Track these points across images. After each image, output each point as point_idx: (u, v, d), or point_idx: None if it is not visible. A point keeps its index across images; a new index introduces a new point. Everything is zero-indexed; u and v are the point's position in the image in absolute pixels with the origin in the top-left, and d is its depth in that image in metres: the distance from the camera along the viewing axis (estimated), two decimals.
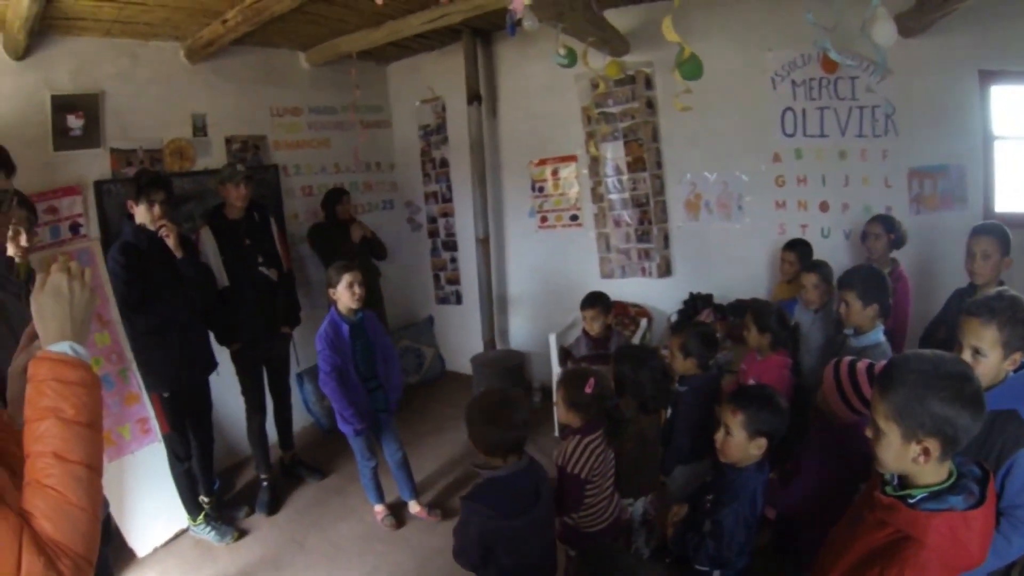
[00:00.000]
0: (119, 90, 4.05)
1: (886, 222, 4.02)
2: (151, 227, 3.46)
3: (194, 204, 4.40)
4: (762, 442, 2.32)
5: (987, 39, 4.14)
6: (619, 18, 4.78)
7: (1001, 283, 2.87)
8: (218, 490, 4.15)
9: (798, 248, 4.31)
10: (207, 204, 4.29)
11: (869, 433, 1.60)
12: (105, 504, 2.18)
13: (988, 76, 4.27)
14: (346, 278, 3.55)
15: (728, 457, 2.38)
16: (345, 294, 3.57)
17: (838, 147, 4.72)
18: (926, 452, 1.46)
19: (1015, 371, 1.98)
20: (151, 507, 3.73)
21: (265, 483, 4.23)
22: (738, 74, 4.78)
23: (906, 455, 1.49)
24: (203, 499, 3.92)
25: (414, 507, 4.06)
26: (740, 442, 2.32)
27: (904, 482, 1.57)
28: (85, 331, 1.28)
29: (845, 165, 4.73)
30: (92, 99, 3.89)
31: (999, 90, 4.31)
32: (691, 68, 3.44)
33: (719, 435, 2.39)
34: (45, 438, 1.13)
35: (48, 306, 1.25)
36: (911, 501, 1.50)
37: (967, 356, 2.00)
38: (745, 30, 4.74)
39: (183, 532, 3.90)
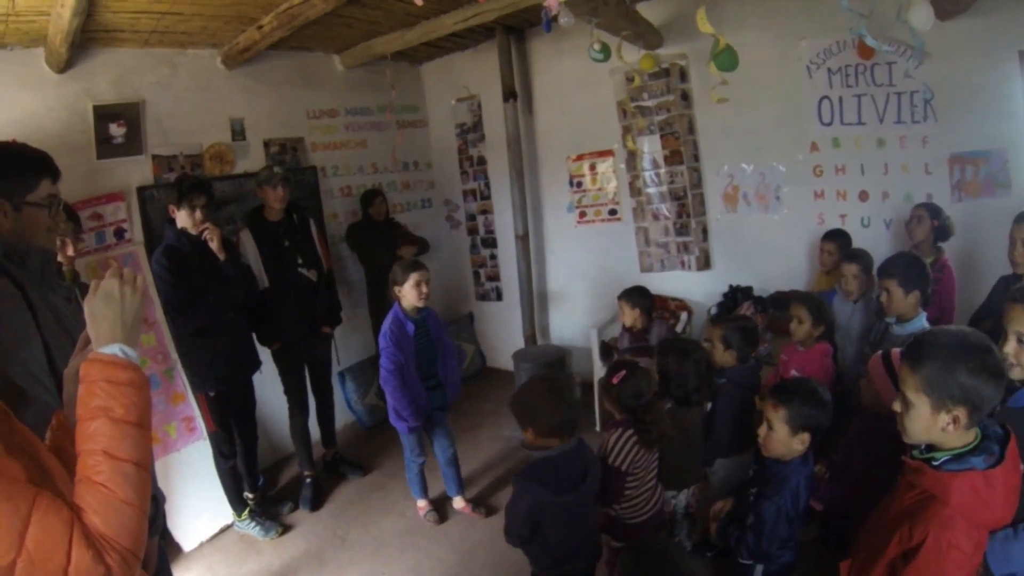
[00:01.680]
0: (159, 98, 4.16)
1: (932, 208, 3.96)
2: (193, 231, 3.54)
3: (234, 207, 4.49)
4: (805, 437, 2.31)
5: None
6: (652, 11, 4.77)
7: None
8: (262, 487, 4.23)
9: (837, 238, 4.27)
10: (247, 207, 4.37)
11: (897, 407, 1.67)
12: (162, 498, 2.25)
13: None
14: (414, 276, 3.55)
15: (771, 452, 2.37)
16: (412, 292, 3.56)
17: (876, 135, 4.62)
18: (955, 420, 1.55)
19: None
20: (197, 503, 3.83)
21: (308, 479, 4.31)
22: (773, 64, 4.72)
23: (935, 424, 1.58)
24: (247, 495, 4.02)
25: (458, 503, 4.09)
26: (783, 437, 2.31)
27: (931, 446, 1.65)
28: (136, 334, 1.32)
29: (884, 153, 4.64)
30: (133, 108, 4.01)
31: None
32: (727, 60, 3.43)
33: (761, 430, 2.38)
34: (96, 436, 1.17)
35: (100, 310, 1.30)
36: (935, 464, 1.60)
37: (1012, 343, 1.95)
38: (778, 19, 4.68)
39: (228, 527, 4.00)
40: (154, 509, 1.72)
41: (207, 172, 4.38)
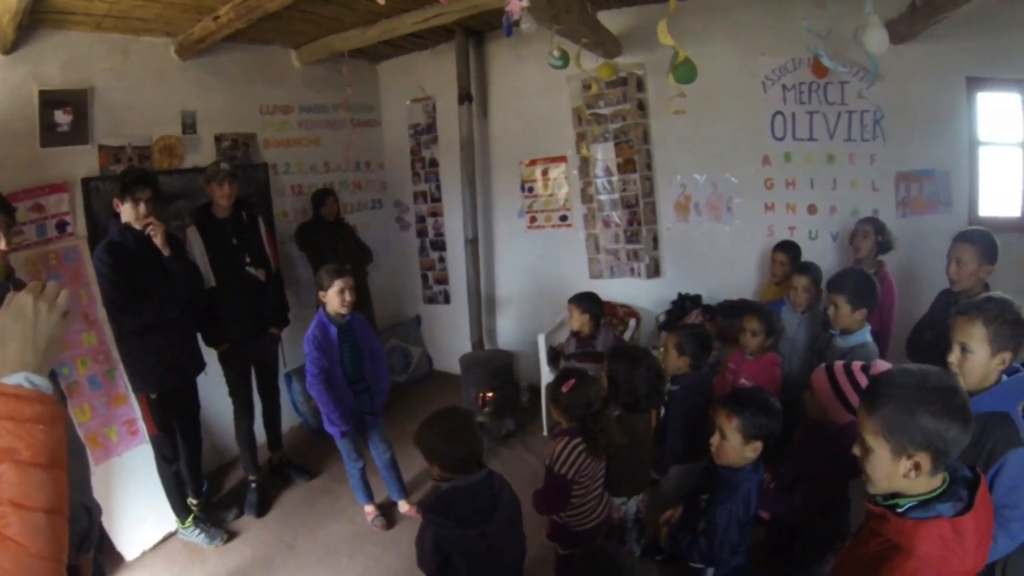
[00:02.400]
0: (109, 86, 3.98)
1: (876, 224, 4.08)
2: (137, 226, 3.41)
3: (183, 202, 4.33)
4: (758, 445, 2.35)
5: (975, 46, 4.22)
6: (612, 20, 4.81)
7: (986, 287, 2.91)
8: (207, 492, 4.10)
9: (789, 250, 4.36)
10: (196, 202, 4.22)
11: (857, 451, 1.59)
12: (98, 510, 2.12)
13: (975, 83, 4.35)
14: (338, 283, 3.53)
15: (724, 460, 2.40)
16: (335, 299, 3.55)
17: (827, 151, 4.77)
18: (917, 467, 1.45)
19: (1008, 374, 2.02)
20: (139, 510, 3.67)
21: (254, 484, 4.20)
22: (729, 77, 4.82)
23: (896, 471, 1.48)
24: (191, 501, 3.87)
25: (404, 506, 4.05)
26: (736, 446, 2.34)
27: (895, 492, 1.56)
28: (49, 358, 1.15)
29: (833, 168, 4.79)
30: (81, 95, 3.82)
31: (985, 96, 4.40)
32: (685, 72, 3.46)
33: (715, 439, 2.40)
34: (1, 484, 1.02)
35: (8, 329, 1.12)
36: (899, 510, 1.50)
37: (956, 353, 2.06)
38: (738, 34, 4.79)
39: (172, 535, 3.85)
40: (88, 522, 1.63)
41: (156, 165, 4.21)
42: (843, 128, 4.69)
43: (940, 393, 1.45)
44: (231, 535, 3.88)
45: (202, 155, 4.52)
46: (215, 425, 4.47)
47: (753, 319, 3.38)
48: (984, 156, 4.53)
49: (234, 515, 4.06)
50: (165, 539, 3.83)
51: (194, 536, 3.79)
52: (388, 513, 4.03)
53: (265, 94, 5.04)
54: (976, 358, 2.02)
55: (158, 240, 3.45)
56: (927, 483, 1.48)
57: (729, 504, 2.35)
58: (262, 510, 4.12)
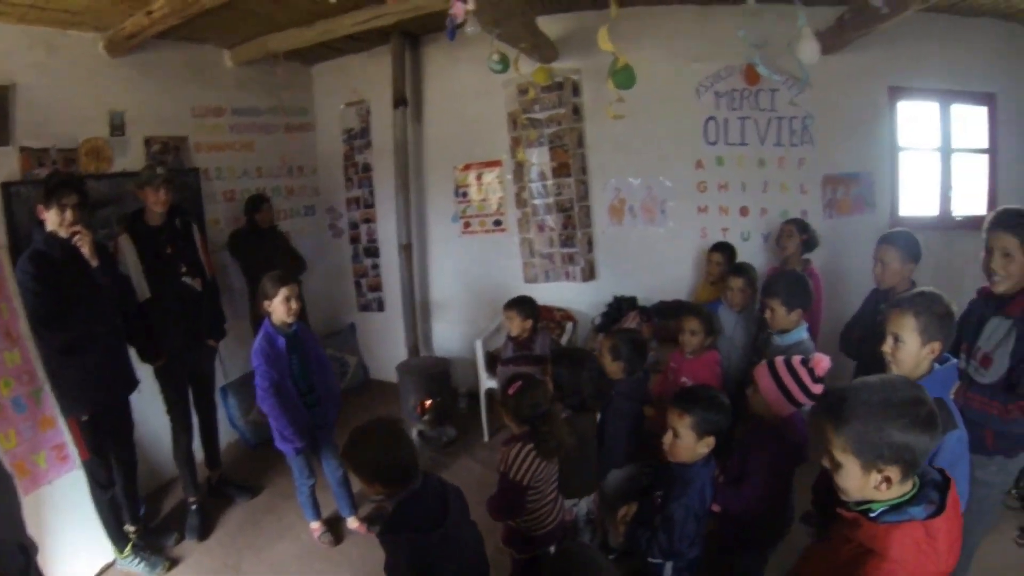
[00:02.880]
0: (32, 83, 3.67)
1: (800, 224, 4.28)
2: (63, 234, 3.16)
3: (111, 209, 4.06)
4: (710, 440, 2.40)
5: (897, 58, 4.52)
6: (550, 25, 4.85)
7: (913, 283, 3.07)
8: (144, 517, 3.85)
9: (725, 250, 4.50)
10: (125, 209, 3.98)
11: (826, 464, 1.60)
12: (34, 549, 1.93)
13: (896, 92, 4.67)
14: (283, 292, 3.40)
15: (677, 458, 2.45)
16: (281, 308, 3.41)
17: (758, 155, 4.98)
18: (887, 480, 1.47)
19: (940, 364, 2.15)
20: (73, 541, 3.38)
21: (194, 506, 3.97)
22: (664, 84, 4.94)
23: (868, 484, 1.50)
24: (129, 528, 3.62)
25: (352, 523, 3.94)
26: (689, 443, 2.39)
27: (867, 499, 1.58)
28: None
29: (764, 172, 5.00)
30: (1, 91, 3.52)
31: (905, 105, 4.72)
32: (624, 78, 3.53)
33: (667, 437, 2.44)
34: None
35: None
36: (872, 515, 1.52)
37: (890, 342, 2.19)
38: (672, 42, 4.93)
39: (110, 566, 3.58)
40: (24, 562, 1.51)
41: (82, 169, 3.92)
42: (773, 133, 4.90)
43: (907, 406, 1.48)
44: (173, 562, 3.64)
45: (131, 158, 4.26)
46: (149, 445, 4.20)
47: (693, 319, 3.46)
48: (904, 160, 4.83)
49: (174, 540, 3.82)
50: (102, 572, 3.57)
51: (134, 566, 3.54)
52: (335, 529, 3.91)
53: (197, 95, 4.81)
54: (908, 348, 2.14)
55: (86, 250, 3.20)
56: (898, 489, 1.50)
57: (685, 498, 2.40)
58: (204, 533, 3.90)
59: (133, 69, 4.27)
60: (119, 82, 4.18)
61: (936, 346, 2.12)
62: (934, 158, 4.94)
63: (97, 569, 3.55)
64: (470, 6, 3.18)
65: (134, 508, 3.69)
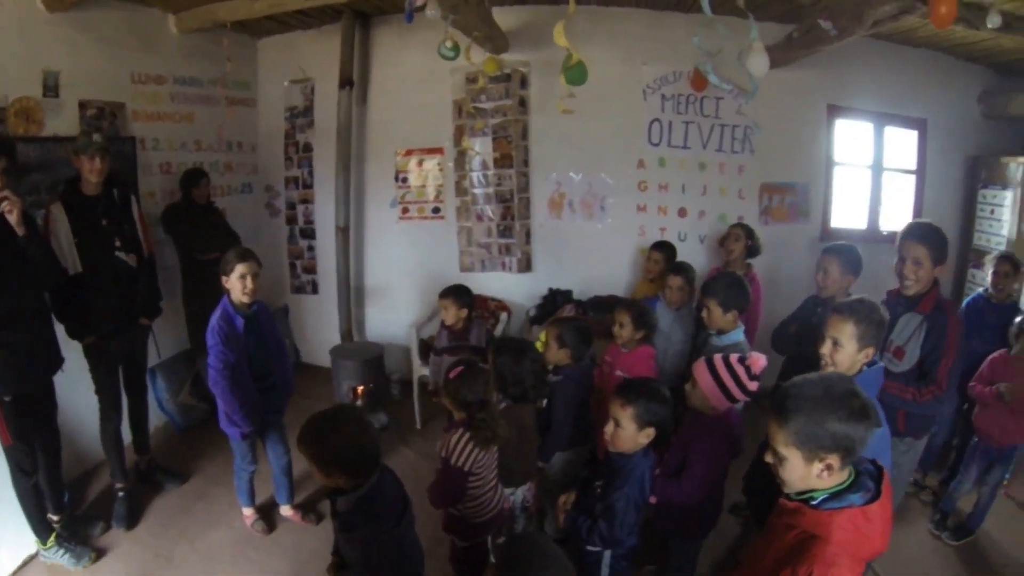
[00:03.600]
0: None
1: (747, 229, 4.42)
2: None
3: (40, 175, 3.77)
4: (651, 431, 2.46)
5: (837, 79, 4.81)
6: (504, 16, 4.86)
7: (849, 295, 3.21)
8: (68, 505, 3.61)
9: (665, 249, 4.60)
10: (55, 176, 3.72)
11: (770, 459, 1.70)
12: None
13: (834, 110, 4.96)
14: (240, 268, 3.25)
15: (619, 448, 2.50)
16: (237, 285, 3.26)
17: (699, 159, 5.16)
18: (829, 468, 1.58)
19: (869, 365, 2.33)
20: None
21: (121, 493, 3.77)
22: (613, 83, 5.06)
23: (810, 473, 1.61)
24: (52, 517, 3.41)
25: (287, 511, 3.85)
26: (631, 433, 2.45)
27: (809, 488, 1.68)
28: None
29: (704, 176, 5.18)
30: None
31: (842, 123, 5.02)
32: (577, 74, 3.55)
33: (608, 428, 2.49)
34: None
35: None
36: (813, 503, 1.62)
37: (828, 345, 2.35)
38: (623, 42, 5.04)
39: (32, 558, 3.38)
40: None
41: (10, 130, 3.61)
42: (716, 139, 5.07)
43: (844, 399, 1.60)
44: (100, 552, 3.45)
45: (64, 122, 3.97)
46: (73, 428, 3.93)
47: (622, 312, 3.49)
48: (838, 175, 5.10)
49: (101, 529, 3.62)
50: (25, 564, 3.37)
51: (58, 557, 3.33)
52: (268, 517, 3.81)
53: (138, 60, 4.54)
54: (845, 351, 2.32)
55: (13, 218, 2.94)
56: (838, 476, 1.62)
57: (627, 488, 2.46)
58: (132, 521, 3.72)
59: (72, 27, 3.98)
60: (56, 40, 3.89)
61: (870, 351, 2.31)
62: (866, 175, 5.31)
63: (19, 562, 3.37)
64: None
65: (58, 496, 3.47)
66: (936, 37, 4.65)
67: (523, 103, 5.29)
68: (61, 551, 3.35)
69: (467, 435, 2.59)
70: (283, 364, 3.65)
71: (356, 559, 2.18)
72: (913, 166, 5.40)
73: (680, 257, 4.53)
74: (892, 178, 5.44)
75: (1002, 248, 4.78)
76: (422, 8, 3.33)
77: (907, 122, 5.29)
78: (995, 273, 3.92)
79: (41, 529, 3.32)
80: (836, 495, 1.61)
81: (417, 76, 5.41)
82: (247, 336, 3.35)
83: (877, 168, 5.35)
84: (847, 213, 5.34)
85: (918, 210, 5.23)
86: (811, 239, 4.98)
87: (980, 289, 4.06)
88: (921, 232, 2.88)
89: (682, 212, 5.27)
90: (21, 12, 3.70)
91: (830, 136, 5.13)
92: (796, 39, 4.17)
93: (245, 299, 3.31)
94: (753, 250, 4.39)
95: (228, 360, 3.23)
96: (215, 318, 3.27)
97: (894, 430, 2.77)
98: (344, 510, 2.16)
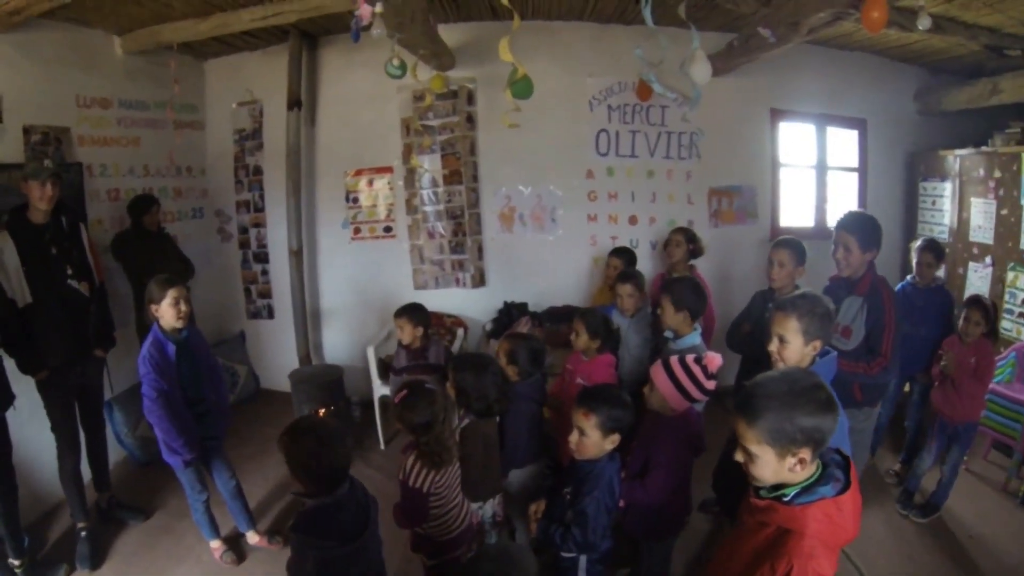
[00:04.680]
0: None
1: (688, 233, 4.49)
2: None
3: None
4: (616, 437, 2.50)
5: (779, 83, 4.99)
6: (448, 33, 4.90)
7: (797, 287, 3.32)
8: (29, 548, 3.48)
9: (624, 255, 4.64)
10: (1, 204, 3.63)
11: (740, 458, 1.69)
12: None
13: (777, 114, 5.14)
14: (171, 293, 3.21)
15: (584, 455, 2.53)
16: (169, 311, 3.21)
17: (647, 167, 5.28)
18: (801, 461, 1.58)
19: (820, 356, 2.37)
20: None
21: (84, 532, 3.64)
22: (558, 95, 5.16)
23: (783, 468, 1.60)
24: (13, 563, 3.30)
25: (253, 537, 3.78)
26: (596, 440, 2.48)
27: (777, 484, 1.68)
28: None
29: (653, 183, 5.30)
30: None
31: (785, 126, 5.19)
32: (523, 88, 3.60)
33: (573, 437, 2.52)
34: None
35: None
36: (785, 499, 1.62)
37: (775, 343, 2.39)
38: (567, 55, 5.15)
39: None
40: None
41: None
42: (663, 147, 5.20)
43: (810, 392, 1.61)
44: None
45: (7, 148, 3.85)
46: (29, 468, 3.79)
47: (577, 321, 3.52)
48: (784, 175, 5.25)
49: (64, 572, 3.48)
50: None
51: None
52: (236, 547, 3.72)
53: (83, 83, 4.44)
54: (792, 347, 2.34)
55: None
56: (809, 470, 1.62)
57: (597, 492, 2.49)
58: (96, 561, 3.58)
59: (13, 48, 3.89)
60: None
61: (818, 344, 2.33)
62: (811, 174, 5.51)
63: None
64: (378, 8, 3.18)
65: (17, 540, 3.36)
66: (871, 40, 4.87)
67: (470, 119, 5.35)
68: None
69: (419, 460, 2.59)
70: (218, 388, 3.60)
71: (290, 562, 2.22)
72: (855, 164, 5.63)
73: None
74: (836, 176, 5.66)
75: (945, 237, 5.06)
76: (368, 27, 3.34)
77: (848, 122, 5.52)
78: (919, 263, 4.16)
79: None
80: (807, 489, 1.62)
81: (364, 95, 5.42)
82: (179, 362, 3.30)
83: (821, 168, 5.56)
84: (794, 212, 5.53)
85: (862, 206, 5.44)
86: (760, 239, 5.12)
87: (908, 277, 4.27)
88: (849, 221, 3.16)
89: (633, 220, 5.38)
90: None
91: (774, 139, 5.31)
92: (737, 47, 4.31)
93: (179, 324, 3.27)
94: (695, 252, 4.47)
95: (161, 388, 3.18)
96: (146, 347, 3.21)
97: (852, 401, 3.01)
98: (297, 514, 2.21)
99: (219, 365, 3.71)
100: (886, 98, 5.50)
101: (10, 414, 3.30)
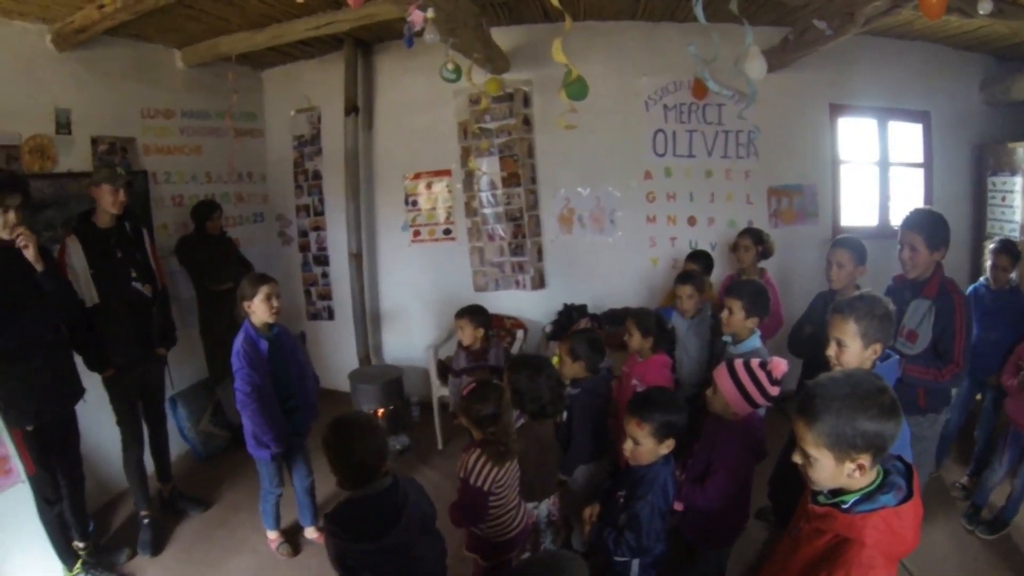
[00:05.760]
0: None
1: (754, 235, 4.36)
2: (5, 235, 2.99)
3: (53, 211, 3.87)
4: (670, 442, 2.47)
5: (837, 77, 4.82)
6: (502, 37, 4.91)
7: (857, 287, 3.20)
8: (93, 533, 3.65)
9: (700, 259, 4.52)
10: (68, 212, 3.82)
11: (798, 459, 1.64)
12: None
13: (837, 109, 4.98)
14: (263, 290, 3.32)
15: (640, 462, 2.50)
16: (262, 307, 3.32)
17: (705, 166, 5.17)
18: (860, 468, 1.53)
19: (882, 361, 2.27)
20: (19, 559, 3.15)
21: (146, 520, 3.80)
22: (614, 96, 5.09)
23: (841, 473, 1.55)
24: (78, 545, 3.45)
25: (311, 533, 3.87)
26: (651, 448, 2.45)
27: (835, 489, 1.63)
28: None
29: (711, 183, 5.18)
30: None
31: (845, 121, 5.03)
32: (577, 89, 3.58)
33: (627, 446, 2.49)
34: None
35: None
36: (844, 507, 1.57)
37: (833, 347, 2.29)
38: (620, 55, 5.09)
39: None
40: None
41: (25, 168, 3.74)
42: (720, 146, 5.09)
43: (873, 397, 1.54)
44: None
45: (76, 158, 4.08)
46: (96, 457, 4.00)
47: (629, 321, 3.51)
48: (845, 173, 5.09)
49: (126, 556, 3.66)
50: None
51: None
52: (292, 540, 3.82)
53: (147, 96, 4.67)
54: (851, 351, 2.24)
55: (30, 253, 3.02)
56: (868, 477, 1.57)
57: (651, 496, 2.45)
58: (157, 548, 3.75)
59: (81, 65, 4.11)
60: (66, 78, 4.03)
61: (878, 347, 2.24)
62: (873, 171, 5.30)
63: None
64: (430, 14, 3.21)
65: (83, 524, 3.51)
66: (932, 28, 4.65)
67: (527, 121, 5.33)
68: None
69: (483, 454, 2.58)
70: (306, 386, 3.68)
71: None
72: (920, 159, 5.38)
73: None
74: (899, 173, 5.43)
75: (1016, 235, 4.79)
76: (421, 33, 3.38)
77: (910, 115, 5.29)
78: (993, 266, 3.94)
79: (66, 556, 3.35)
80: (867, 496, 1.57)
81: (421, 100, 5.46)
82: (271, 358, 3.39)
83: (883, 164, 5.35)
84: (856, 211, 5.34)
85: (928, 203, 5.16)
86: (822, 239, 4.93)
87: (981, 279, 4.06)
88: (915, 219, 3.01)
89: (691, 221, 5.28)
90: (31, 52, 3.83)
91: (834, 135, 5.14)
92: (792, 41, 4.20)
93: (272, 319, 3.38)
94: (765, 253, 4.36)
95: (254, 382, 3.28)
96: (239, 342, 3.31)
97: (915, 407, 2.88)
98: (334, 507, 2.24)
99: (308, 362, 3.82)
100: (950, 89, 5.24)
101: (79, 407, 3.46)
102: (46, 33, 3.85)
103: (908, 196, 5.37)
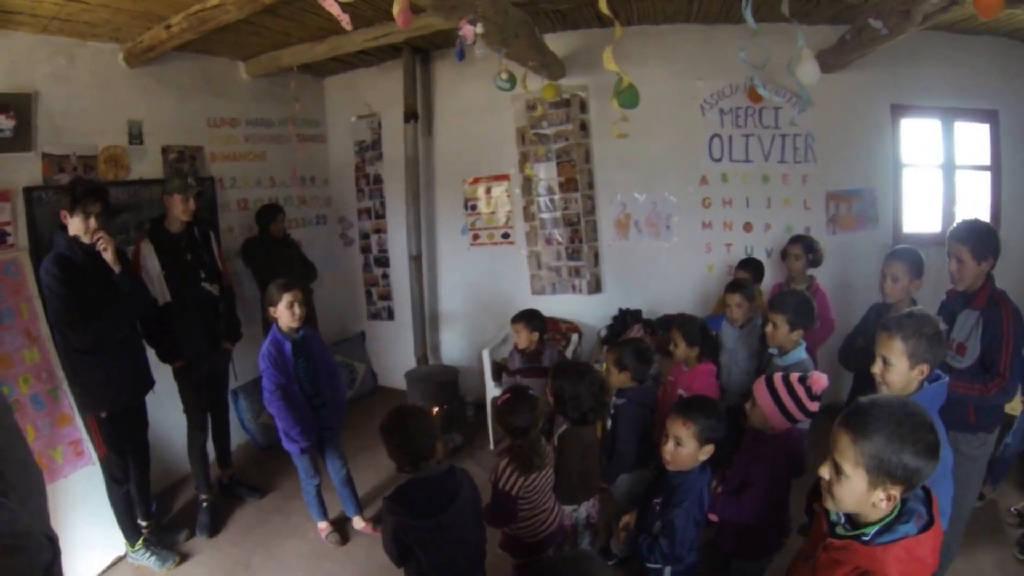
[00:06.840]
0: (53, 91, 3.79)
1: (805, 242, 4.27)
2: (86, 240, 3.28)
3: (127, 216, 4.20)
4: (710, 448, 2.48)
5: (898, 77, 4.59)
6: (557, 43, 4.95)
7: (913, 302, 3.12)
8: (156, 513, 3.95)
9: (750, 267, 4.47)
10: (141, 216, 4.12)
11: (825, 473, 1.61)
12: (56, 538, 1.79)
13: (898, 110, 4.74)
14: (286, 298, 3.52)
15: (679, 466, 2.51)
16: (285, 314, 3.53)
17: (761, 172, 5.05)
18: (890, 498, 1.50)
19: (930, 382, 2.15)
20: (87, 534, 3.50)
21: (205, 503, 4.07)
22: (669, 101, 5.04)
23: (868, 499, 1.52)
24: (141, 523, 3.74)
25: (359, 523, 4.03)
26: (691, 451, 2.46)
27: (853, 519, 1.61)
28: None
29: (768, 188, 5.06)
30: (24, 99, 3.63)
31: (907, 123, 4.80)
32: (629, 97, 3.57)
33: (668, 447, 2.50)
34: None
35: None
36: (865, 539, 1.54)
37: (879, 364, 2.20)
38: (677, 60, 5.03)
39: (121, 559, 3.69)
40: (52, 553, 1.53)
41: (101, 176, 4.06)
42: (777, 150, 4.97)
43: (923, 432, 1.50)
44: (183, 557, 3.75)
45: (148, 166, 4.40)
46: (162, 443, 4.28)
47: (674, 330, 3.47)
48: (907, 177, 4.90)
49: (185, 536, 3.93)
50: (115, 563, 3.67)
51: (145, 559, 3.65)
52: (342, 529, 4.00)
53: (212, 106, 4.95)
54: (896, 370, 2.15)
55: (108, 256, 3.33)
56: (890, 508, 1.54)
57: (686, 504, 2.47)
58: (214, 530, 4.00)
59: (151, 80, 4.41)
60: (137, 92, 4.32)
61: (925, 368, 2.12)
62: (937, 175, 5.03)
63: (109, 561, 3.66)
64: (479, 29, 3.27)
65: (146, 504, 3.81)
66: (998, 22, 4.33)
67: (584, 127, 5.35)
68: (148, 554, 3.66)
69: (511, 462, 2.67)
70: (333, 384, 3.85)
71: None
72: (987, 162, 5.02)
73: None
74: (965, 176, 5.09)
75: None
76: (472, 46, 3.45)
77: (977, 115, 4.94)
78: None
79: (130, 533, 3.65)
80: (887, 527, 1.54)
81: (479, 106, 5.56)
82: (296, 359, 3.60)
83: (948, 167, 5.04)
84: (920, 216, 5.07)
85: (996, 207, 4.86)
86: (882, 246, 4.71)
87: None
88: (960, 231, 2.94)
89: (747, 227, 5.17)
90: (105, 68, 4.13)
91: (896, 137, 4.90)
92: (849, 41, 4.05)
93: (294, 325, 3.58)
94: (815, 261, 4.26)
95: (279, 382, 3.52)
96: (265, 345, 3.56)
97: (965, 424, 2.82)
98: (395, 488, 2.49)
99: (335, 363, 4.00)
100: (1019, 86, 4.86)
101: (149, 396, 3.77)
102: (118, 52, 4.15)
103: (974, 201, 5.04)
